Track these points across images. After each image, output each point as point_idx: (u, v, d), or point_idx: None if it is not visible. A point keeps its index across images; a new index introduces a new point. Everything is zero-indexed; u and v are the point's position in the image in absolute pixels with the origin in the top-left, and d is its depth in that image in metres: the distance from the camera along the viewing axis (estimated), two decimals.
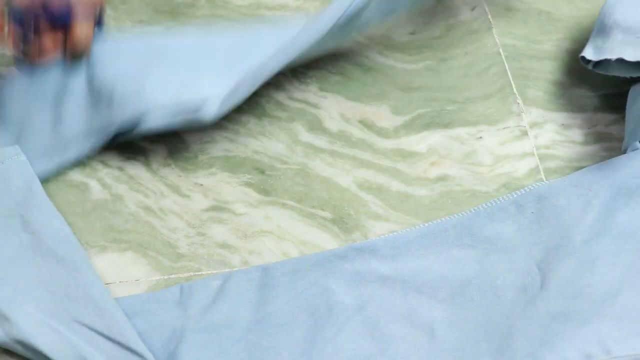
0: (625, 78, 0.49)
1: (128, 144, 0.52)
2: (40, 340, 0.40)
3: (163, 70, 0.50)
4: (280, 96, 0.54)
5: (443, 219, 0.47)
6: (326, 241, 0.47)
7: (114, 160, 0.51)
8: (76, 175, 0.51)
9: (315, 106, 0.54)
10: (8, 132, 0.50)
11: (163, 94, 0.48)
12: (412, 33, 0.57)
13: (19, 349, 0.41)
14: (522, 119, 0.52)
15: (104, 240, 0.48)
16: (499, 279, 0.44)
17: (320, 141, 0.52)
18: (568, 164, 0.49)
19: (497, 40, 0.57)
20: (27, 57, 0.49)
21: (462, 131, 0.52)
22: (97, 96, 0.49)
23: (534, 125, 0.52)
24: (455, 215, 0.47)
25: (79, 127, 0.50)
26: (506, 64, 0.55)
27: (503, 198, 0.47)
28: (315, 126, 0.53)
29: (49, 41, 0.49)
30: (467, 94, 0.53)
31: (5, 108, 0.50)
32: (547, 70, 0.55)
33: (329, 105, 0.54)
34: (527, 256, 0.45)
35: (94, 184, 0.50)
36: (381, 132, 0.53)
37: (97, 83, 0.49)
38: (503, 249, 0.45)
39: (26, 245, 0.44)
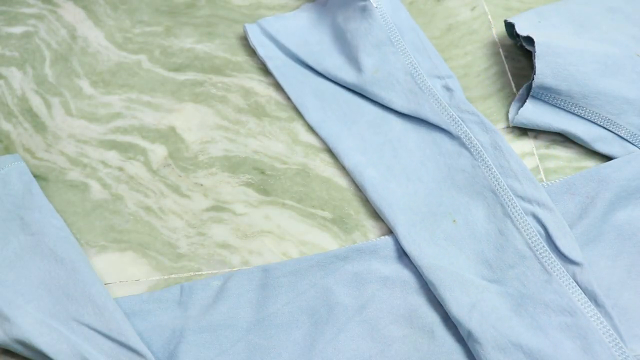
0: None
1: (128, 144, 0.52)
2: (40, 340, 0.40)
3: None
4: (280, 96, 0.54)
5: None
6: (326, 241, 0.47)
7: (114, 160, 0.51)
8: (76, 175, 0.51)
9: None
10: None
11: None
12: None
13: (19, 349, 0.41)
14: None
15: (104, 240, 0.48)
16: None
17: (320, 141, 0.52)
18: (568, 164, 0.49)
19: (497, 40, 0.57)
20: None
21: None
22: None
23: None
24: None
25: None
26: (506, 64, 0.55)
27: None
28: None
29: None
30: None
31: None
32: None
33: None
34: None
35: (94, 184, 0.50)
36: None
37: None
38: None
39: (26, 246, 0.44)
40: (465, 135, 0.48)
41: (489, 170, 0.46)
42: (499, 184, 0.46)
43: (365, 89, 0.52)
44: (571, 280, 0.41)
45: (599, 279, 0.43)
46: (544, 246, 0.43)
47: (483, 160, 0.47)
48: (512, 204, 0.45)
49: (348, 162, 0.49)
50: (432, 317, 0.43)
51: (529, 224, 0.44)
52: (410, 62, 0.52)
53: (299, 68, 0.55)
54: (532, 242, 0.43)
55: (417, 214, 0.46)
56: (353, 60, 0.53)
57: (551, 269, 0.42)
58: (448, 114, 0.49)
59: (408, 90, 0.51)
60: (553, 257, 0.42)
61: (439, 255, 0.44)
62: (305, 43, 0.56)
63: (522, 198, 0.45)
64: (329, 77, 0.54)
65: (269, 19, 0.57)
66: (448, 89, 0.51)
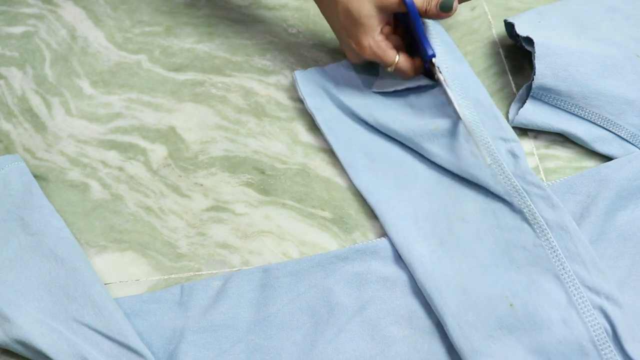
0: None
1: (128, 144, 0.52)
2: (40, 340, 0.40)
3: None
4: (280, 96, 0.54)
5: None
6: (326, 241, 0.47)
7: (114, 160, 0.51)
8: (76, 175, 0.51)
9: None
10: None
11: None
12: None
13: (19, 349, 0.41)
14: None
15: (104, 240, 0.48)
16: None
17: (320, 141, 0.52)
18: (568, 164, 0.49)
19: (497, 40, 0.57)
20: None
21: None
22: None
23: None
24: None
25: None
26: (506, 64, 0.55)
27: None
28: (315, 126, 0.53)
29: None
30: None
31: None
32: None
33: None
34: None
35: (94, 184, 0.50)
36: None
37: None
38: None
39: (26, 246, 0.44)
40: (529, 210, 0.44)
41: (554, 252, 0.42)
42: (564, 269, 0.42)
43: (422, 145, 0.48)
44: None
45: None
46: (609, 346, 0.39)
47: (547, 239, 0.43)
48: (578, 294, 0.41)
49: (396, 235, 0.45)
50: (432, 318, 0.43)
51: (595, 319, 0.40)
52: (474, 120, 0.47)
53: (348, 122, 0.51)
54: (597, 340, 0.40)
55: (469, 298, 0.42)
56: (410, 112, 0.50)
57: None
58: (511, 183, 0.45)
59: (469, 152, 0.46)
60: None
61: (492, 353, 0.40)
62: (360, 93, 0.52)
63: (590, 289, 0.41)
64: (381, 129, 0.50)
65: (323, 67, 0.54)
66: (514, 155, 0.46)
